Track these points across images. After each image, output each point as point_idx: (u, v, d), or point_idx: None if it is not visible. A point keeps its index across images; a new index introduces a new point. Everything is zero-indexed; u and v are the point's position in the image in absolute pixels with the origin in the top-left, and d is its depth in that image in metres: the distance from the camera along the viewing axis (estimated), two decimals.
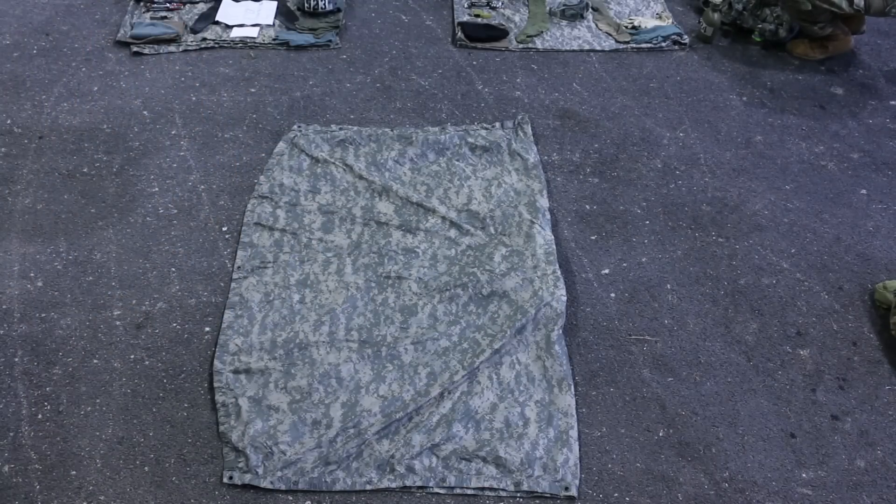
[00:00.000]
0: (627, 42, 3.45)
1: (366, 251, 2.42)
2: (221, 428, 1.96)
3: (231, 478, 1.87)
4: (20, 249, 2.42)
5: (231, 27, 3.43)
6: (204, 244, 2.46)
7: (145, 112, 2.98)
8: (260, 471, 1.88)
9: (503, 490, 1.87)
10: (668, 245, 2.53)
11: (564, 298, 2.26)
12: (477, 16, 3.57)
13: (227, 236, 2.49)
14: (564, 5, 3.59)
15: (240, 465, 1.89)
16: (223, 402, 2.01)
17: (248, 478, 1.87)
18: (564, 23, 3.57)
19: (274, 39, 3.38)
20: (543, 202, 2.59)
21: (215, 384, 2.05)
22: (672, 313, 2.31)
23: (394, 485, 1.87)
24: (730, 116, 3.09)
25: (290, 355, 2.12)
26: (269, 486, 1.86)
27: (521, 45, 3.41)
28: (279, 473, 1.87)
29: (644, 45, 3.42)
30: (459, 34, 3.43)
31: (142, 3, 3.53)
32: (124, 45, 3.32)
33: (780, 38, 3.45)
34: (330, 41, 3.38)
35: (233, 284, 2.30)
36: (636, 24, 3.55)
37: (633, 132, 2.98)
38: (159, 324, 2.22)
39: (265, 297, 2.27)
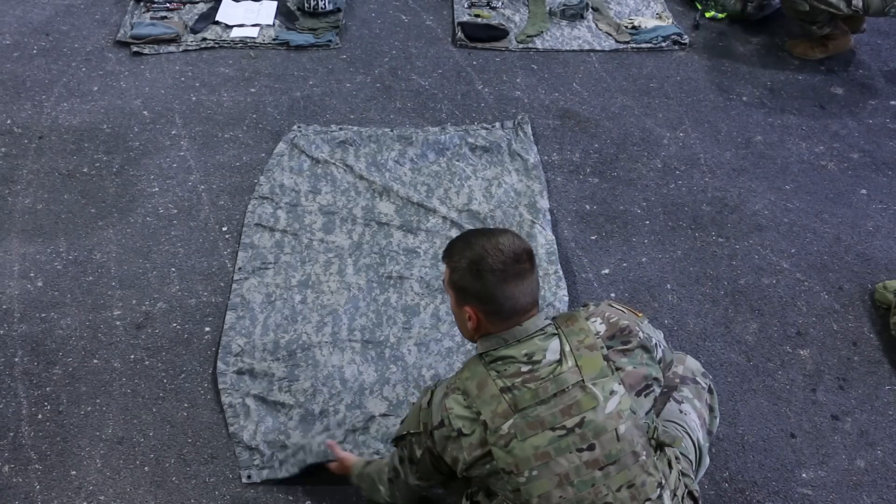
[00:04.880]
0: (627, 42, 3.45)
1: (367, 251, 2.42)
2: (231, 429, 1.96)
3: (249, 476, 1.87)
4: (20, 249, 2.42)
5: (231, 27, 3.43)
6: (204, 244, 2.46)
7: (145, 112, 2.98)
8: (276, 464, 1.88)
9: None
10: (668, 245, 2.53)
11: (567, 299, 2.26)
12: (477, 16, 3.57)
13: (227, 236, 2.49)
14: (564, 5, 3.59)
15: (255, 462, 1.89)
16: (230, 403, 2.01)
17: (265, 473, 1.87)
18: (564, 23, 3.57)
19: (274, 39, 3.38)
20: (544, 203, 2.59)
21: (220, 385, 2.04)
22: (672, 313, 2.31)
23: None
24: (730, 116, 3.09)
25: (293, 356, 2.12)
26: (286, 475, 1.86)
27: (521, 45, 3.41)
28: (291, 459, 1.88)
29: (644, 45, 3.42)
30: (459, 34, 3.43)
31: (142, 3, 3.52)
32: (124, 45, 3.32)
33: (746, 14, 3.53)
34: (330, 41, 3.38)
35: (234, 286, 2.30)
36: (636, 24, 3.55)
37: (633, 132, 2.98)
38: (159, 324, 2.22)
39: (266, 298, 2.27)
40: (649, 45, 3.43)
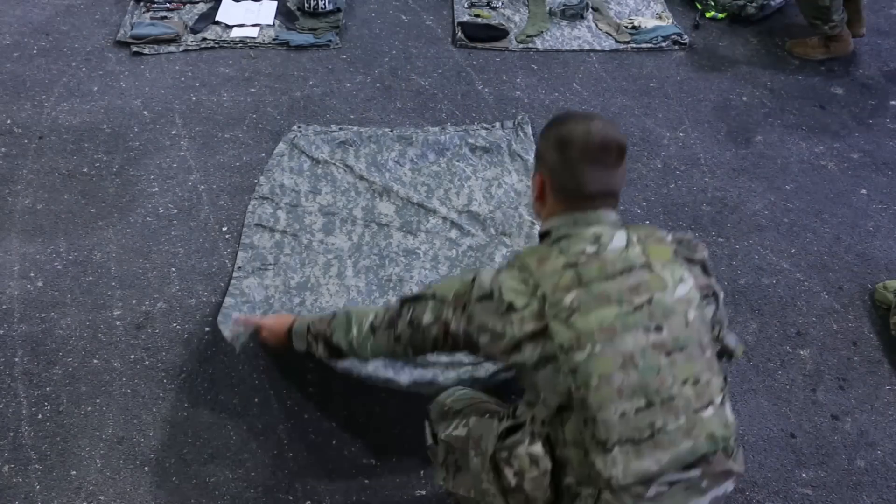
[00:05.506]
0: (627, 42, 3.45)
1: (367, 253, 2.42)
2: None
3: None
4: (20, 249, 2.42)
5: (231, 27, 3.43)
6: (204, 244, 2.46)
7: (145, 112, 2.98)
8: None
9: None
10: None
11: None
12: (477, 16, 3.57)
13: (227, 236, 2.49)
14: (564, 5, 3.59)
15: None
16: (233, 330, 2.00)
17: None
18: (564, 23, 3.57)
19: (274, 39, 3.38)
20: None
21: (219, 323, 2.06)
22: None
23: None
24: (730, 116, 3.09)
25: None
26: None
27: (521, 45, 3.41)
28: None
29: (644, 45, 3.43)
30: (459, 34, 3.43)
31: (142, 3, 3.53)
32: (124, 45, 3.32)
33: (746, 14, 3.55)
34: (330, 41, 3.38)
35: (233, 282, 2.30)
36: (636, 24, 3.55)
37: (633, 132, 2.98)
38: (159, 324, 2.22)
39: (265, 300, 2.26)
40: (649, 45, 3.43)
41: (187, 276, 2.35)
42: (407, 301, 1.47)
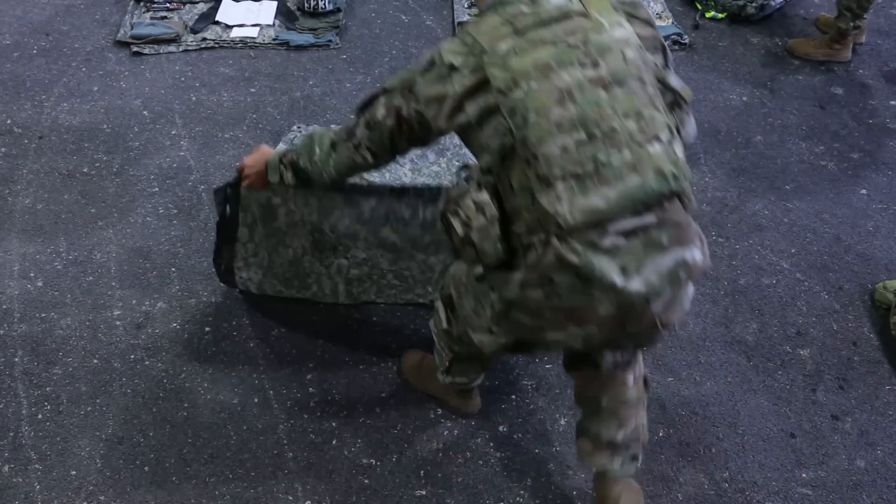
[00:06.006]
0: None
1: None
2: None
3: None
4: (20, 249, 2.42)
5: (231, 27, 3.43)
6: (204, 244, 2.46)
7: (145, 112, 2.98)
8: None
9: None
10: None
11: None
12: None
13: None
14: None
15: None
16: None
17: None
18: None
19: (274, 39, 3.38)
20: None
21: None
22: None
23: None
24: (730, 116, 3.09)
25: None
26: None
27: None
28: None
29: None
30: None
31: (142, 3, 3.52)
32: (124, 45, 3.32)
33: (746, 14, 3.54)
34: (330, 41, 3.38)
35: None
36: None
37: None
38: (159, 324, 2.22)
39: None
40: None
41: (187, 276, 2.35)
42: (361, 108, 1.50)
